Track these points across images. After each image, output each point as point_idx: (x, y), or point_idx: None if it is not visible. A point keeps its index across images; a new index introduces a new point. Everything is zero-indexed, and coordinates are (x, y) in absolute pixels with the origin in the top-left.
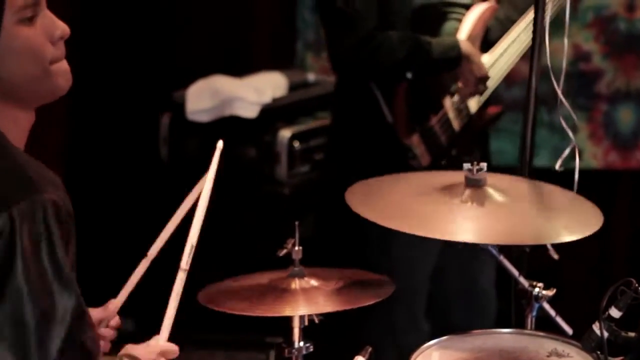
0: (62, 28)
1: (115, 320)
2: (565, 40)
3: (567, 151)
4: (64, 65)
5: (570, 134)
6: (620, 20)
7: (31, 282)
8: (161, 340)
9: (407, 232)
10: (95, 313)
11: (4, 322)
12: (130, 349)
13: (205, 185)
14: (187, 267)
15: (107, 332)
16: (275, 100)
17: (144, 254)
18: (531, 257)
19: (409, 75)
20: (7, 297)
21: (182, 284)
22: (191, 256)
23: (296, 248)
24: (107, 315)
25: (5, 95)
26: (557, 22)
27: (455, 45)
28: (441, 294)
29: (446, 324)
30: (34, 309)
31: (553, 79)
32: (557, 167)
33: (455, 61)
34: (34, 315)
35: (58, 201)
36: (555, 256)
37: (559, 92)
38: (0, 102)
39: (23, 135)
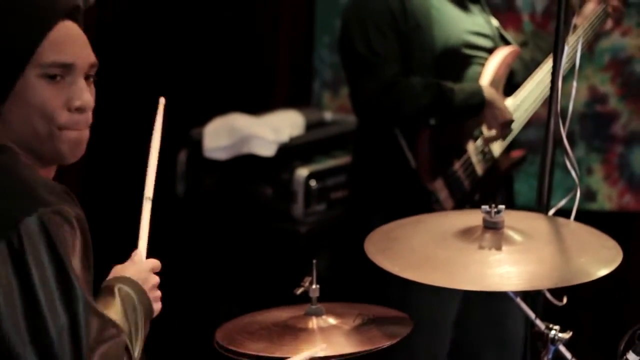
0: (84, 100)
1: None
2: (574, 84)
3: (564, 200)
4: (73, 134)
5: (575, 175)
6: (636, 62)
7: (46, 294)
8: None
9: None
10: (141, 267)
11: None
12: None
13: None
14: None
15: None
16: (292, 139)
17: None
18: (547, 299)
19: (431, 121)
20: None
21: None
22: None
23: (313, 286)
24: (155, 264)
25: (17, 145)
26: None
27: (478, 92)
28: (468, 339)
29: None
30: (55, 319)
31: (560, 122)
32: (553, 210)
33: (478, 108)
34: (55, 326)
35: (64, 211)
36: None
37: (564, 135)
38: (18, 149)
39: None
